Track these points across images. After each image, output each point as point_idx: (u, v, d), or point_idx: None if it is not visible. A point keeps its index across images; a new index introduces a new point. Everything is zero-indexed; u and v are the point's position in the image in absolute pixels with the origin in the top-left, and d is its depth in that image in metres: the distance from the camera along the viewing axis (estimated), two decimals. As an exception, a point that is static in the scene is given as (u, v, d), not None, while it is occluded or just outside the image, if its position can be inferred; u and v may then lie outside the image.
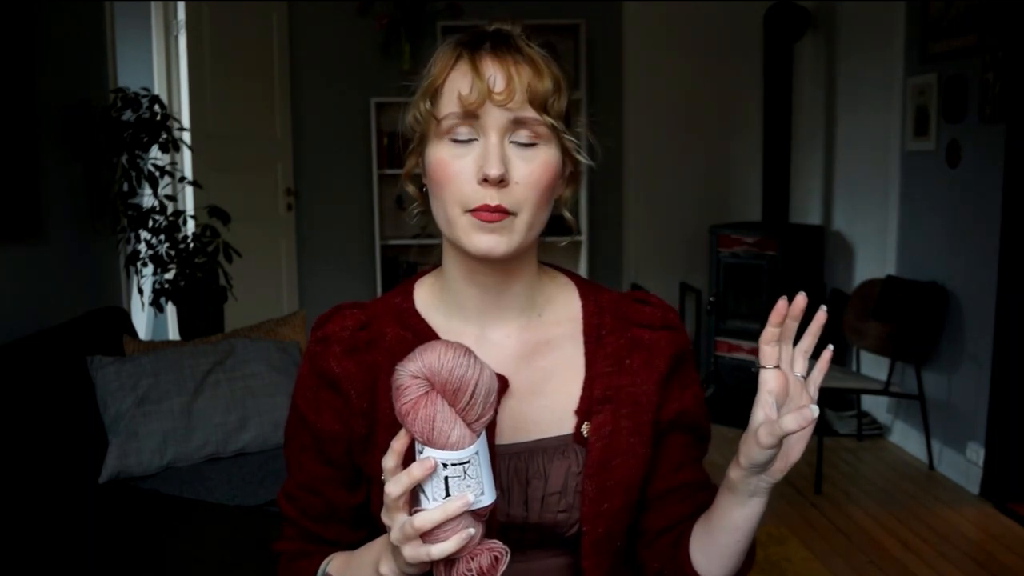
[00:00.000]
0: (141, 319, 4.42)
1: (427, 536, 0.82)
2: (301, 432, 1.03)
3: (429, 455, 0.82)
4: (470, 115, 0.91)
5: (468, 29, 0.97)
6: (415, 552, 0.82)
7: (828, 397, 4.23)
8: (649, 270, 5.29)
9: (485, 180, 0.91)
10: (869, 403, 4.36)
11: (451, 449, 0.82)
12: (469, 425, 0.83)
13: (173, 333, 4.19)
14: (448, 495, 0.82)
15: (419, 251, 5.28)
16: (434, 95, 0.94)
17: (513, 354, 1.01)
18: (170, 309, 3.74)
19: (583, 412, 0.99)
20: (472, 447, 0.83)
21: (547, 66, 0.93)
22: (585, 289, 1.07)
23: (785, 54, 4.88)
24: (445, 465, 0.82)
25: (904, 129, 4.10)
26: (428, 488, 0.83)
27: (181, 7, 4.33)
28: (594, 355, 1.02)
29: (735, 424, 4.11)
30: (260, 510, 2.27)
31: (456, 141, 0.93)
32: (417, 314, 1.02)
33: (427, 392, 0.83)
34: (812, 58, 5.08)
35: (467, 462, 0.82)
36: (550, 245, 1.05)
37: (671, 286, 5.23)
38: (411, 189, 1.02)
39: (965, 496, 3.51)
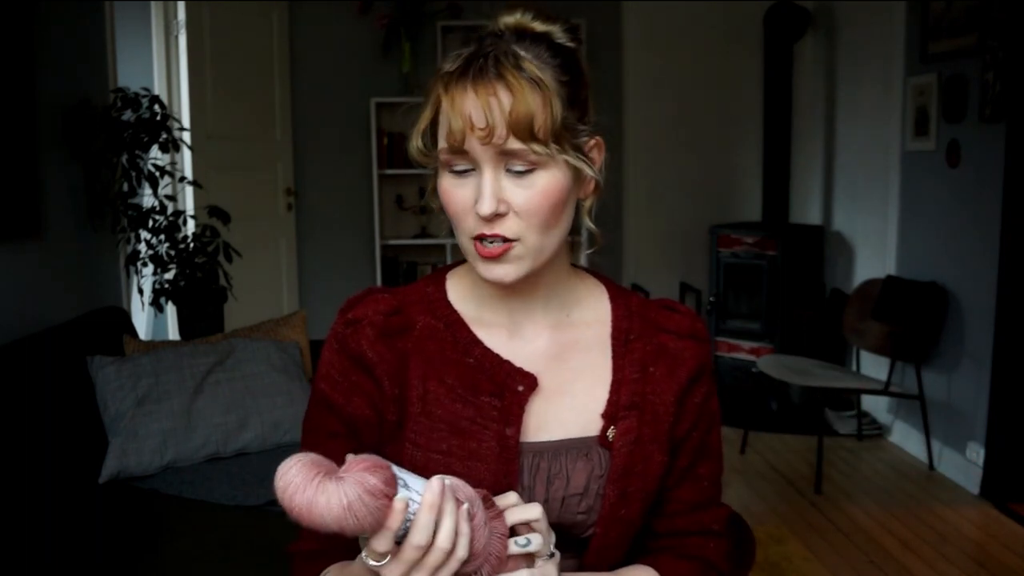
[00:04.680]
0: (141, 319, 4.42)
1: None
2: (328, 420, 1.00)
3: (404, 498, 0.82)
4: (458, 152, 0.90)
5: (472, 32, 0.96)
6: None
7: (828, 397, 4.23)
8: (649, 270, 5.29)
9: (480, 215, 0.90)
10: (869, 403, 4.36)
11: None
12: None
13: (173, 333, 4.19)
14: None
15: (419, 251, 5.29)
16: (429, 130, 0.94)
17: (543, 353, 1.01)
18: (170, 309, 3.74)
19: (609, 416, 0.99)
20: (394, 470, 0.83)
21: (530, 87, 0.88)
22: (615, 293, 1.07)
23: (785, 54, 4.88)
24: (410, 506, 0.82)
25: (904, 129, 4.09)
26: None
27: (181, 7, 4.33)
28: (621, 359, 1.02)
29: (734, 424, 4.11)
30: (260, 510, 2.26)
31: (455, 172, 0.92)
32: (449, 304, 1.02)
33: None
34: (812, 58, 5.08)
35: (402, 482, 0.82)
36: None
37: (671, 286, 5.23)
38: (436, 204, 1.01)
39: (965, 496, 3.51)
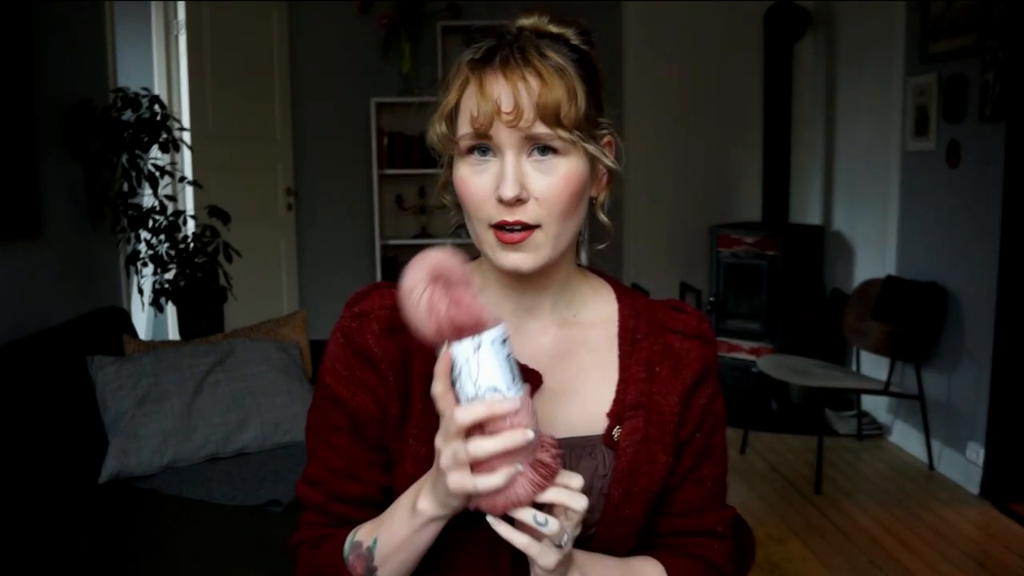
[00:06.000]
0: (141, 319, 4.42)
1: (477, 467, 0.83)
2: (333, 413, 1.00)
3: (471, 347, 0.83)
4: (483, 136, 0.91)
5: (489, 30, 0.96)
6: (460, 481, 0.84)
7: (828, 397, 4.23)
8: (649, 270, 5.29)
9: (501, 200, 0.91)
10: (869, 403, 4.36)
11: (496, 322, 0.84)
12: None
13: (173, 333, 4.19)
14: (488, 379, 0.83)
15: (419, 251, 5.28)
16: (450, 116, 0.94)
17: (549, 351, 1.01)
18: (170, 309, 3.74)
19: (615, 416, 1.00)
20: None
21: (558, 75, 0.90)
22: (622, 293, 1.08)
23: (785, 54, 4.89)
24: (496, 341, 0.83)
25: (904, 129, 4.10)
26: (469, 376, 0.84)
27: (181, 7, 4.33)
28: (628, 359, 1.02)
29: (735, 424, 4.11)
30: (260, 510, 2.26)
31: (476, 158, 0.93)
32: None
33: (449, 285, 0.83)
34: (812, 58, 5.08)
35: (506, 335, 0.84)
36: None
37: (671, 286, 5.23)
38: (448, 200, 1.01)
39: (965, 496, 3.51)
